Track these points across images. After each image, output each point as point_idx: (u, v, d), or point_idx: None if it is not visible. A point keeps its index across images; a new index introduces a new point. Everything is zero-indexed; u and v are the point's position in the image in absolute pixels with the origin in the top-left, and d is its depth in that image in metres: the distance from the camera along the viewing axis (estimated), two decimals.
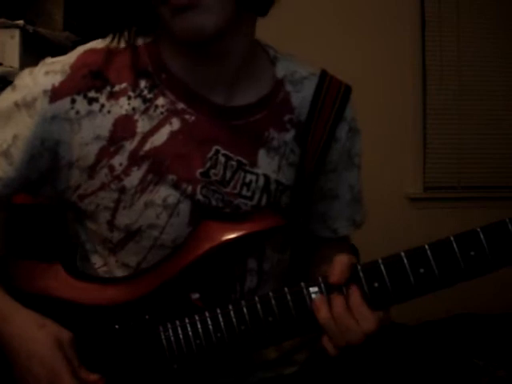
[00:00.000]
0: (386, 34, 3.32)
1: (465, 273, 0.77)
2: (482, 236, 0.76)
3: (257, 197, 0.93)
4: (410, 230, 3.18)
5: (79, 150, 0.89)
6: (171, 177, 0.89)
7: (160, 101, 0.90)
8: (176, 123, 0.90)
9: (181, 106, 0.90)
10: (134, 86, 0.89)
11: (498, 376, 2.53)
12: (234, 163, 0.92)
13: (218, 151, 0.91)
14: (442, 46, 3.41)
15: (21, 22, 1.90)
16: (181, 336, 0.86)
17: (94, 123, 0.88)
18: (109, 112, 0.88)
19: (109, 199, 0.90)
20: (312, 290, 0.83)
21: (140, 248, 0.91)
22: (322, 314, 0.81)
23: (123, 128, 0.88)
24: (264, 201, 0.93)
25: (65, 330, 0.87)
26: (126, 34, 0.91)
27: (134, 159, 0.89)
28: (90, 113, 0.88)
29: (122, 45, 0.91)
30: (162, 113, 0.89)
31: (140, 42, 0.92)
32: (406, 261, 0.79)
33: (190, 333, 0.86)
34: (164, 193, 0.89)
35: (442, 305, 2.72)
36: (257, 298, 0.84)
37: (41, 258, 0.97)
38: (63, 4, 2.21)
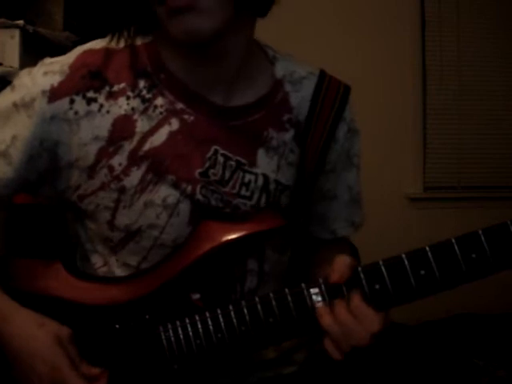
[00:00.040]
0: (386, 33, 3.32)
1: (466, 275, 0.77)
2: (483, 238, 0.76)
3: (256, 197, 0.93)
4: (410, 230, 3.18)
5: (78, 150, 0.88)
6: (171, 177, 0.89)
7: (159, 101, 0.89)
8: (175, 123, 0.90)
9: (180, 106, 0.90)
10: (133, 86, 0.89)
11: (498, 376, 2.53)
12: (232, 163, 0.92)
13: (216, 151, 0.91)
14: (442, 45, 3.41)
15: (21, 22, 1.90)
16: (181, 336, 0.86)
17: (92, 123, 0.88)
18: (108, 112, 0.88)
19: (109, 199, 0.90)
20: (313, 291, 0.83)
21: (140, 248, 0.91)
22: (326, 320, 0.81)
23: (122, 128, 0.88)
24: (263, 201, 0.93)
25: (64, 327, 0.87)
26: (125, 33, 0.91)
27: (134, 159, 0.89)
28: (88, 113, 0.88)
29: (121, 45, 0.91)
30: (161, 113, 0.89)
31: (139, 41, 0.92)
32: (406, 262, 0.78)
33: (191, 333, 0.86)
34: (164, 193, 0.89)
35: (442, 305, 2.72)
36: (257, 299, 0.84)
37: (41, 257, 0.97)
38: (63, 4, 2.21)
